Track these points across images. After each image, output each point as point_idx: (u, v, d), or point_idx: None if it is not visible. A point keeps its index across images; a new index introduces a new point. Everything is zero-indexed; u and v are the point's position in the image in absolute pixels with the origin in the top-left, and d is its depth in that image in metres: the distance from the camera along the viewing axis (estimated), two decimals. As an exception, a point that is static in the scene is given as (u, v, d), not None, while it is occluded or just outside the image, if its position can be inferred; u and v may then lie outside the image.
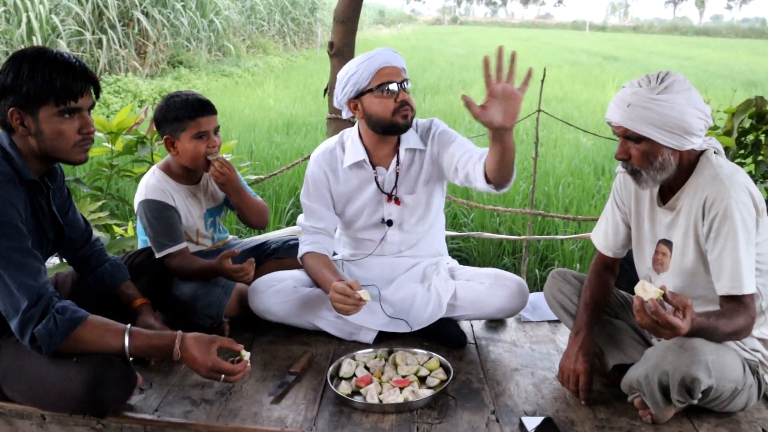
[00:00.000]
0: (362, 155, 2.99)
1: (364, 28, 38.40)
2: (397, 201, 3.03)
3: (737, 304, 2.16)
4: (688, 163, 2.30)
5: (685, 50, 34.96)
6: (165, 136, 2.99)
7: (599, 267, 2.69)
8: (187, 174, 3.10)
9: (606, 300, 2.66)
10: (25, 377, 2.20)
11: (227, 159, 3.12)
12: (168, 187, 3.03)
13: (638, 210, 2.53)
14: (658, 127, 2.18)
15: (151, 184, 3.01)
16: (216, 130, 3.01)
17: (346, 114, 2.99)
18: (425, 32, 51.23)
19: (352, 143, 3.03)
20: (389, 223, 3.07)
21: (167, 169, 3.08)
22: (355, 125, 3.05)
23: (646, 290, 1.97)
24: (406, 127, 2.90)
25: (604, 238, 2.68)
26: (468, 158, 2.83)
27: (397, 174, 3.02)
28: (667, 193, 2.39)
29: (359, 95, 2.87)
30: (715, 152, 2.31)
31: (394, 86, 2.82)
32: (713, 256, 2.20)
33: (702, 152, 2.31)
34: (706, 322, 2.08)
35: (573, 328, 2.59)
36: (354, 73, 2.84)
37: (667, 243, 2.39)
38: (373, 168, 3.02)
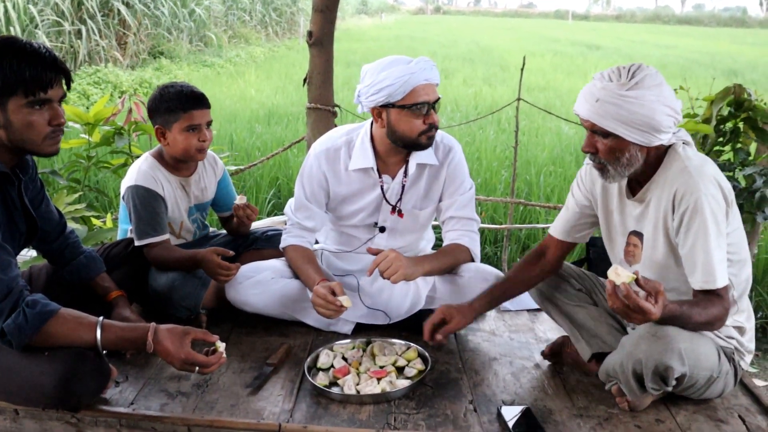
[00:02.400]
0: (371, 162, 2.90)
1: (347, 18, 38.34)
2: (401, 214, 2.99)
3: (712, 296, 2.16)
4: (656, 156, 2.28)
5: (667, 39, 35.10)
6: (156, 126, 2.96)
7: (536, 253, 2.73)
8: (178, 165, 3.06)
9: (522, 289, 2.73)
10: (-3, 372, 2.17)
11: (250, 203, 3.16)
12: (159, 176, 3.00)
13: (606, 202, 2.51)
14: (626, 124, 2.15)
15: (143, 170, 2.98)
16: (208, 124, 2.98)
17: (361, 109, 2.86)
18: (408, 22, 51.16)
19: (361, 146, 2.92)
20: (382, 229, 3.04)
21: (160, 158, 3.05)
22: (366, 125, 2.95)
23: (619, 274, 1.97)
24: (426, 147, 2.84)
25: (557, 221, 2.68)
26: (446, 230, 3.03)
27: (403, 186, 2.96)
28: (635, 185, 2.37)
29: (387, 106, 2.77)
30: (684, 143, 2.29)
31: (426, 108, 2.73)
32: (684, 251, 2.19)
33: (670, 145, 2.29)
34: (679, 310, 2.08)
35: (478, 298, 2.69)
36: (389, 85, 2.69)
37: (638, 235, 2.38)
38: (379, 176, 2.96)
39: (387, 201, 2.96)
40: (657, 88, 2.15)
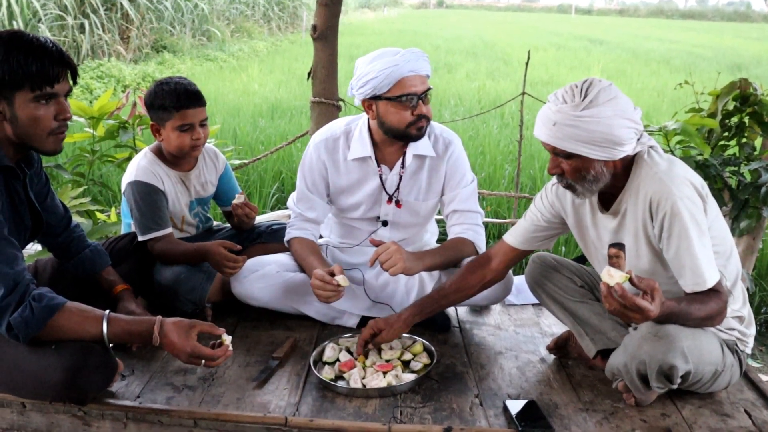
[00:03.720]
0: (369, 151, 2.91)
1: (349, 12, 38.28)
2: (398, 204, 2.99)
3: (708, 291, 2.14)
4: (624, 167, 2.26)
5: (670, 33, 35.01)
6: (152, 122, 2.97)
7: (479, 261, 2.70)
8: (177, 160, 3.06)
9: (460, 297, 2.70)
10: (4, 365, 2.17)
11: (248, 200, 3.16)
12: (159, 171, 3.00)
13: (579, 218, 2.49)
14: (587, 143, 2.14)
15: (142, 165, 2.98)
16: (203, 122, 2.96)
17: (357, 102, 2.87)
18: (411, 16, 51.06)
19: (359, 136, 2.93)
20: (384, 223, 3.04)
21: (159, 153, 3.05)
22: (364, 116, 2.94)
23: (612, 275, 1.95)
24: (418, 138, 2.83)
25: (516, 229, 2.65)
26: (450, 224, 3.02)
27: (401, 176, 2.97)
28: (608, 198, 2.35)
29: (375, 98, 2.78)
30: (650, 147, 2.26)
31: (413, 99, 2.73)
32: (670, 255, 2.18)
33: (636, 153, 2.27)
34: (678, 307, 2.08)
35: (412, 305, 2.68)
36: (374, 78, 2.71)
37: (620, 246, 2.36)
38: (378, 165, 2.96)
39: (385, 190, 2.97)
40: (612, 102, 2.13)
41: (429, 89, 2.79)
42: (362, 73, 2.75)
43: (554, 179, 2.44)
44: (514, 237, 2.64)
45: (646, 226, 2.24)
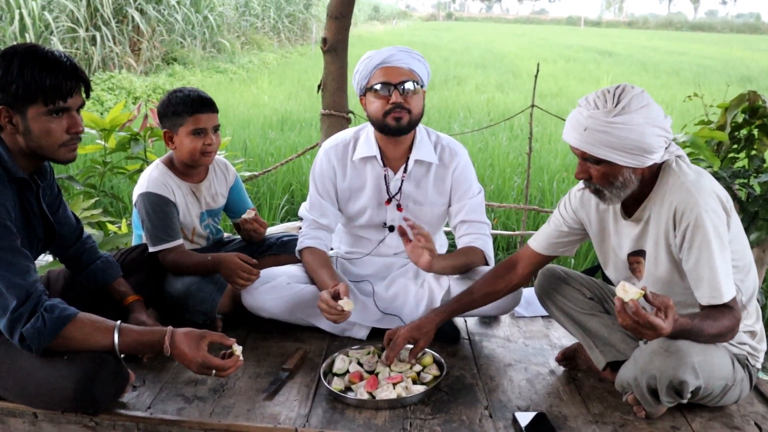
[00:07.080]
0: (375, 151, 2.98)
1: (359, 24, 38.41)
2: (399, 207, 3.02)
3: (722, 307, 2.14)
4: (650, 175, 2.26)
5: (679, 45, 35.01)
6: (164, 130, 2.99)
7: (504, 267, 2.71)
8: (188, 171, 3.09)
9: (487, 301, 2.72)
10: (17, 376, 2.20)
11: (258, 215, 3.23)
12: (170, 182, 3.02)
13: (602, 225, 2.49)
14: (617, 150, 2.13)
15: (154, 177, 3.00)
16: (215, 128, 2.99)
17: None
18: (420, 28, 51.21)
19: (366, 138, 3.02)
20: (390, 228, 3.07)
21: (170, 164, 3.07)
22: None
23: (627, 291, 1.96)
24: (397, 131, 2.87)
25: (540, 235, 2.66)
26: (458, 234, 3.04)
27: (402, 181, 3.01)
28: (631, 205, 2.35)
29: (364, 93, 2.90)
30: (677, 157, 2.26)
31: (386, 87, 2.82)
32: (689, 266, 2.17)
33: (663, 161, 2.27)
34: (690, 324, 2.07)
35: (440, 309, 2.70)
36: (358, 72, 2.90)
37: (640, 253, 2.35)
38: (384, 167, 3.01)
39: (388, 191, 3.01)
40: (644, 109, 2.13)
41: (406, 81, 2.83)
42: (354, 71, 2.92)
43: (580, 185, 2.45)
44: (537, 242, 2.65)
45: (668, 234, 2.24)
